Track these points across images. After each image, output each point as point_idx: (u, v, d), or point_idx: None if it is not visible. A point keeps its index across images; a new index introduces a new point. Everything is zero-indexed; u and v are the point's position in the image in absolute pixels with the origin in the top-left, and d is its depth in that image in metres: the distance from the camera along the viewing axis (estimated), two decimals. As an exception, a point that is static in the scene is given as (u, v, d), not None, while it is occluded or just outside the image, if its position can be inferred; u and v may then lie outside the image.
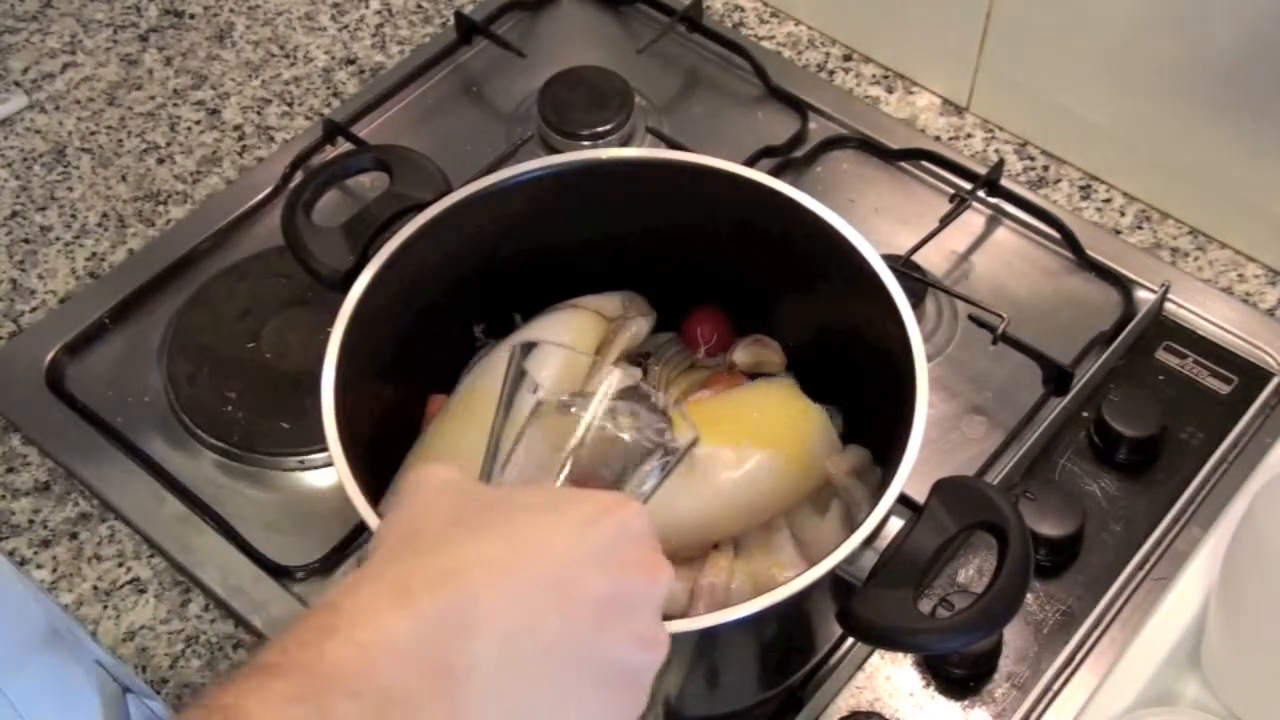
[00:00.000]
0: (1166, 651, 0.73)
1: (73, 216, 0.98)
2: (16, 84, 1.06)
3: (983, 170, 0.95)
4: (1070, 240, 0.92)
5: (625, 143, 0.99)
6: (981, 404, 0.87)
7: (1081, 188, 0.98)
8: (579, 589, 0.46)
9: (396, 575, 0.44)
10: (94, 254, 0.96)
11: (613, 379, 0.56)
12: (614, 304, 0.78)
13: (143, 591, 0.81)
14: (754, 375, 0.79)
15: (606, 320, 0.77)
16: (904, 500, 0.63)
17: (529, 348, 0.64)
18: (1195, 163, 0.92)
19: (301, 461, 0.85)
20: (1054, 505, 0.79)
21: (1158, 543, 0.80)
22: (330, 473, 0.85)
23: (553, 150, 0.98)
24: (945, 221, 0.91)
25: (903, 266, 0.87)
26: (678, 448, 0.56)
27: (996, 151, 0.99)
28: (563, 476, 0.54)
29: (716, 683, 0.71)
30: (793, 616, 0.68)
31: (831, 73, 1.05)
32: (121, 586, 0.81)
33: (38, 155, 1.02)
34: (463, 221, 0.73)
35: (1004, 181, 0.95)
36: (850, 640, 0.76)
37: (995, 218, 0.96)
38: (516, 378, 0.57)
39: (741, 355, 0.79)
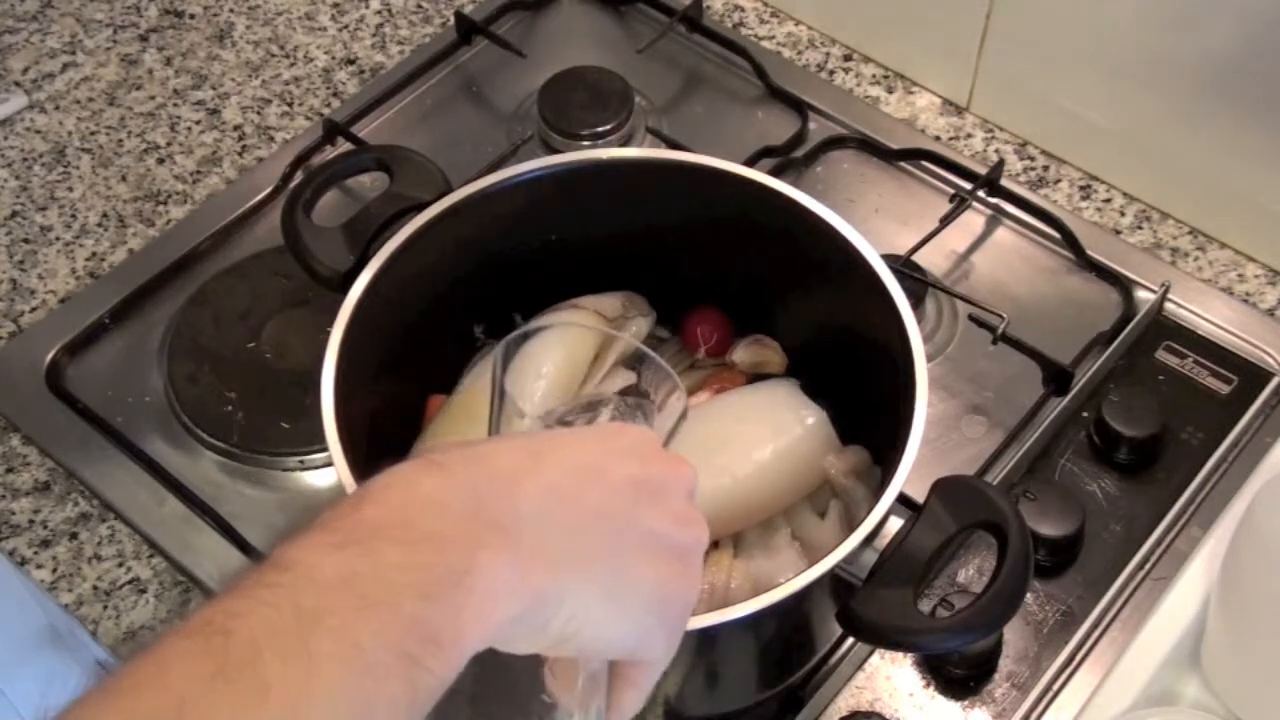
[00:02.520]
0: (1166, 651, 0.73)
1: (73, 216, 0.98)
2: (16, 84, 1.06)
3: (983, 170, 0.95)
4: (1070, 240, 0.92)
5: (625, 143, 0.99)
6: (981, 404, 0.87)
7: (1081, 188, 0.98)
8: (610, 471, 0.47)
9: (425, 457, 0.44)
10: (94, 254, 0.96)
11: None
12: (614, 304, 0.78)
13: (143, 591, 0.81)
14: (754, 375, 0.79)
15: (606, 320, 0.77)
16: (904, 500, 0.63)
17: (520, 340, 0.64)
18: (1195, 163, 0.92)
19: (301, 461, 0.85)
20: (1054, 505, 0.79)
21: (1158, 543, 0.80)
22: (330, 473, 0.85)
23: (553, 150, 0.98)
24: (945, 221, 0.91)
25: (903, 266, 0.87)
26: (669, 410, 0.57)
27: (996, 151, 0.99)
28: None
29: (716, 683, 0.71)
30: (793, 616, 0.68)
31: (831, 73, 1.05)
32: (121, 586, 0.81)
33: (38, 155, 1.02)
34: (463, 221, 0.73)
35: (1004, 181, 0.95)
36: (850, 640, 0.76)
37: (995, 218, 0.96)
38: (499, 398, 0.57)
39: (741, 355, 0.79)
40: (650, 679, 0.50)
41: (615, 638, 0.46)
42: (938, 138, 1.01)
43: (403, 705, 0.38)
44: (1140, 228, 0.95)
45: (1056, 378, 0.85)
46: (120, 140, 1.02)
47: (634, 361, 0.79)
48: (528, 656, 0.46)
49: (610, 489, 0.46)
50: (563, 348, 0.71)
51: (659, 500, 0.48)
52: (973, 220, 0.95)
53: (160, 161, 1.01)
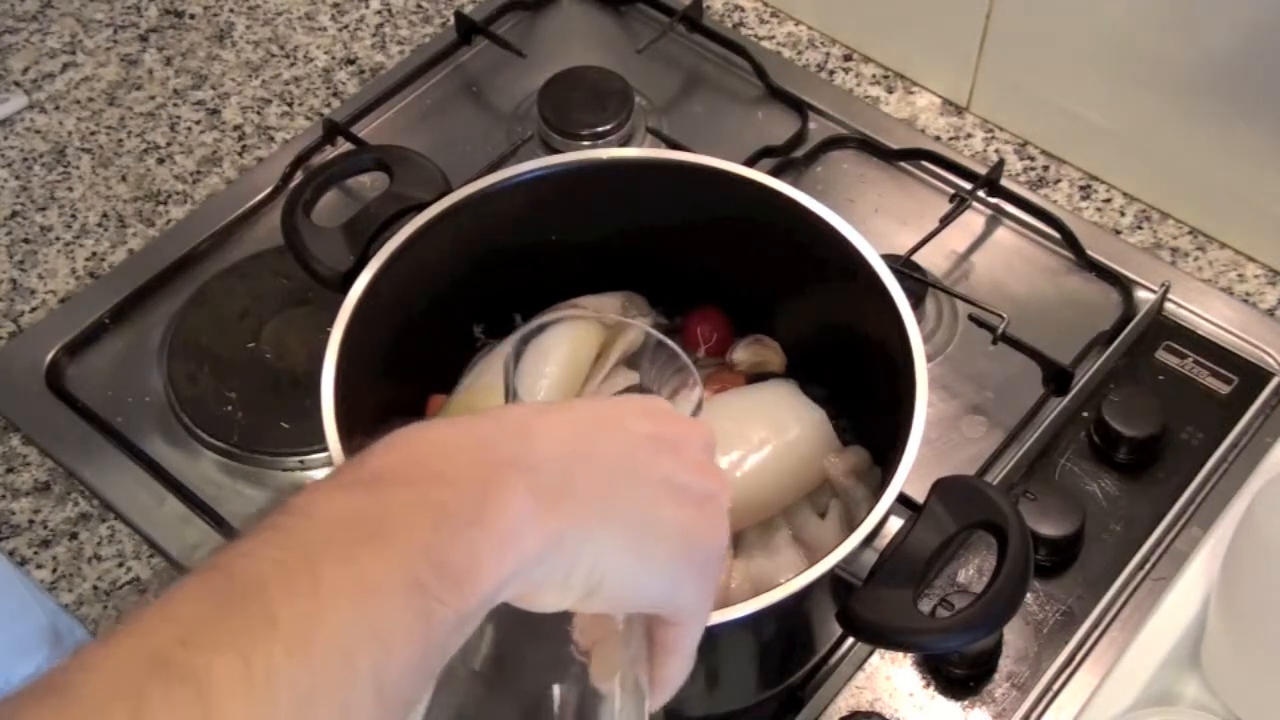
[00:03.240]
0: (1166, 651, 0.73)
1: (73, 216, 0.98)
2: (16, 84, 1.06)
3: (983, 170, 0.95)
4: (1070, 240, 0.92)
5: (625, 143, 0.99)
6: (981, 404, 0.87)
7: (1081, 188, 0.98)
8: (626, 426, 0.46)
9: (433, 419, 0.43)
10: (94, 254, 0.96)
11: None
12: (613, 305, 0.78)
13: (143, 591, 0.80)
14: (754, 375, 0.79)
15: (604, 326, 0.77)
16: (904, 500, 0.63)
17: (532, 335, 0.64)
18: (1195, 163, 0.92)
19: (301, 461, 0.85)
20: (1054, 505, 0.79)
21: (1158, 543, 0.80)
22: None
23: (553, 150, 0.98)
24: (945, 221, 0.91)
25: (903, 266, 0.87)
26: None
27: (996, 151, 0.99)
28: None
29: (716, 683, 0.71)
30: (793, 616, 0.68)
31: (831, 73, 1.05)
32: (121, 586, 0.81)
33: (38, 155, 1.02)
34: (463, 221, 0.73)
35: (1004, 181, 0.95)
36: (850, 640, 0.76)
37: (995, 218, 0.96)
38: (512, 399, 0.57)
39: (741, 355, 0.79)
40: (690, 641, 0.48)
41: (644, 585, 0.44)
42: (938, 138, 1.01)
43: (418, 639, 0.36)
44: (1140, 228, 0.95)
45: (1056, 378, 0.85)
46: (120, 140, 1.02)
47: (636, 360, 0.79)
48: (559, 628, 0.45)
49: (627, 440, 0.45)
50: (566, 345, 0.71)
51: (678, 453, 0.47)
52: (973, 220, 0.95)
53: (160, 161, 1.01)
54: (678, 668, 0.48)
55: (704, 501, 0.47)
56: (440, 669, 0.39)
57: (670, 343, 0.57)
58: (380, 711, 0.36)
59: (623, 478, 0.44)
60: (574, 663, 0.46)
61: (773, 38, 1.07)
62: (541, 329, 0.67)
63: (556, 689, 0.46)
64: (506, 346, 0.75)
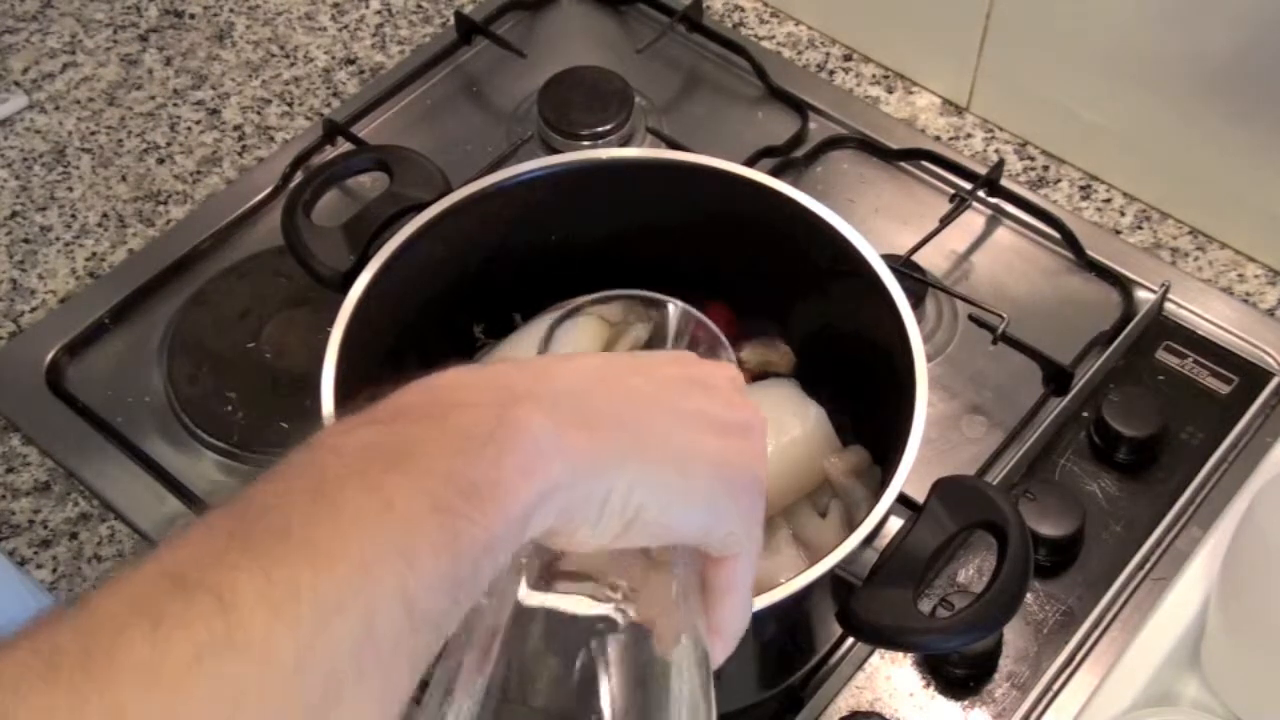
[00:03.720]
0: (1166, 651, 0.73)
1: (73, 216, 0.98)
2: (16, 84, 1.06)
3: (983, 170, 0.95)
4: (1070, 240, 0.92)
5: (625, 143, 0.99)
6: (981, 404, 0.87)
7: (1081, 188, 0.98)
8: (653, 370, 0.45)
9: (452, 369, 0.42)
10: (94, 254, 0.96)
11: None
12: (614, 309, 0.78)
13: (143, 591, 0.80)
14: (757, 375, 0.79)
15: (609, 324, 0.77)
16: (904, 500, 0.63)
17: (562, 320, 0.63)
18: (1195, 163, 0.92)
19: (301, 461, 0.85)
20: (1054, 505, 0.79)
21: (1158, 543, 0.80)
22: (330, 473, 0.84)
23: (553, 150, 0.98)
24: (945, 221, 0.91)
25: (903, 266, 0.87)
26: None
27: (996, 151, 0.99)
28: None
29: (716, 683, 0.71)
30: (792, 616, 0.68)
31: (831, 73, 1.05)
32: (121, 586, 0.81)
33: (38, 155, 1.02)
34: (463, 221, 0.73)
35: (1004, 181, 0.95)
36: (850, 640, 0.76)
37: (995, 218, 0.96)
38: None
39: (747, 355, 0.79)
40: (744, 576, 0.46)
41: (684, 511, 0.43)
42: (938, 138, 1.01)
43: (445, 557, 0.36)
44: (1140, 228, 0.95)
45: (1056, 378, 0.85)
46: (120, 140, 1.02)
47: (661, 343, 0.79)
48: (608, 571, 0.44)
49: (654, 379, 0.45)
50: (582, 335, 0.70)
51: (708, 390, 0.46)
52: (973, 220, 0.95)
53: (160, 161, 1.01)
54: (736, 608, 0.47)
55: (739, 431, 0.46)
56: (472, 598, 0.37)
57: (702, 317, 0.57)
58: (409, 627, 0.35)
59: (652, 407, 0.44)
60: (633, 635, 0.44)
61: (773, 38, 1.07)
62: (572, 314, 0.66)
63: (614, 666, 0.44)
64: (505, 348, 0.75)
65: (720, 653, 0.48)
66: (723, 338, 0.58)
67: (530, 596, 0.43)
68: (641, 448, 0.42)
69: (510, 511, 0.37)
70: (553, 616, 0.44)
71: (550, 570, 0.45)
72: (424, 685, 0.39)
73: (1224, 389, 0.86)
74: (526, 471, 0.38)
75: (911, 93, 1.04)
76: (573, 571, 0.45)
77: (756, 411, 0.48)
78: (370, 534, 0.35)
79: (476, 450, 0.38)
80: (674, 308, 0.60)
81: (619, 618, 0.44)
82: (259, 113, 1.04)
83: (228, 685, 0.31)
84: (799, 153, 0.98)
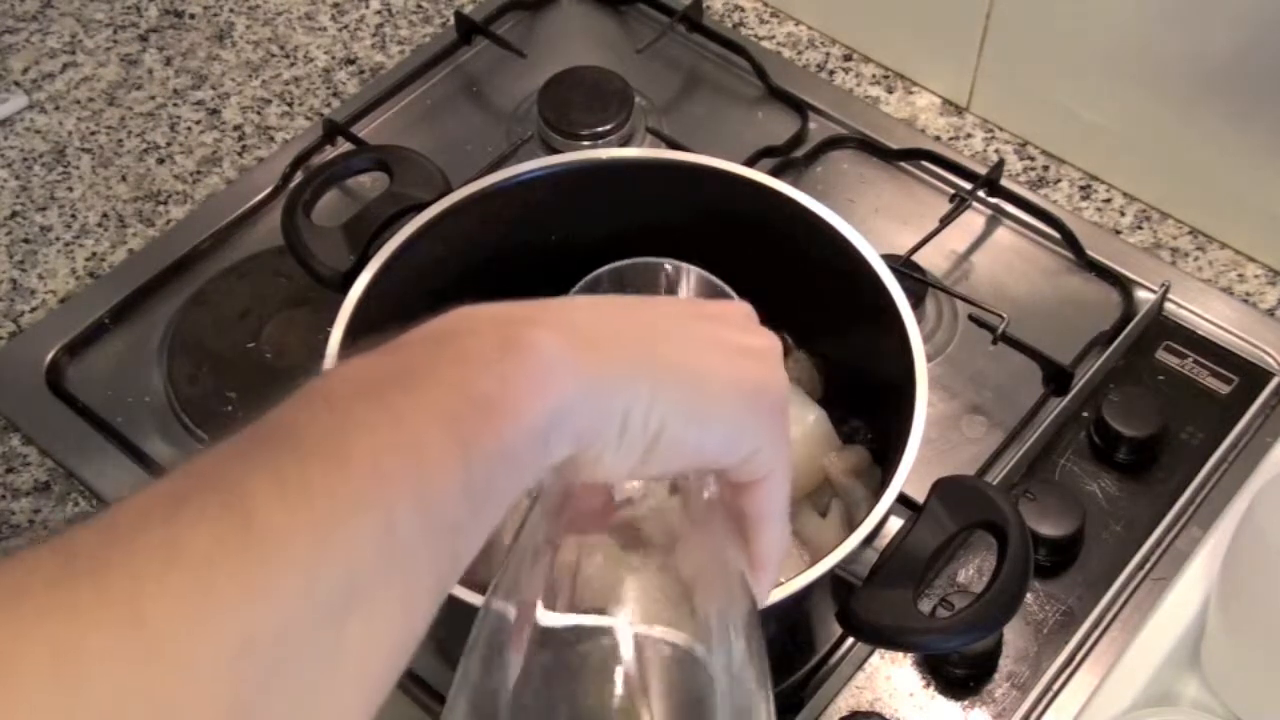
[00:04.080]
0: (1166, 651, 0.73)
1: (73, 216, 0.98)
2: (16, 84, 1.06)
3: (983, 170, 0.95)
4: (1070, 240, 0.92)
5: (625, 143, 0.99)
6: (981, 404, 0.87)
7: (1081, 188, 0.98)
8: (660, 302, 0.46)
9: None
10: (94, 254, 0.96)
11: None
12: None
13: (143, 591, 0.80)
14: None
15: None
16: (904, 500, 0.63)
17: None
18: (1195, 163, 0.92)
19: (301, 461, 0.85)
20: (1054, 505, 0.79)
21: (1158, 543, 0.80)
22: (330, 473, 0.84)
23: (553, 150, 0.98)
24: (945, 221, 0.91)
25: (903, 266, 0.87)
26: None
27: (996, 151, 0.99)
28: None
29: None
30: (793, 616, 0.68)
31: (831, 73, 1.05)
32: (121, 586, 0.81)
33: (38, 155, 1.02)
34: (463, 221, 0.73)
35: (1004, 181, 0.95)
36: (850, 640, 0.76)
37: (995, 218, 0.96)
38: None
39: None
40: (777, 499, 0.46)
41: (707, 430, 0.42)
42: (938, 138, 1.01)
43: (457, 464, 0.35)
44: (1140, 228, 0.95)
45: (1056, 378, 0.85)
46: (120, 140, 1.02)
47: None
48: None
49: (664, 311, 0.44)
50: None
51: (721, 321, 0.46)
52: (973, 220, 0.95)
53: (160, 161, 1.01)
54: (773, 535, 0.46)
55: (756, 353, 0.45)
56: (494, 514, 0.37)
57: (718, 281, 0.57)
58: (425, 526, 0.35)
59: (666, 331, 0.43)
60: (678, 599, 0.44)
61: (773, 38, 1.07)
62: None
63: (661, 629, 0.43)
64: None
65: (765, 586, 0.47)
66: (736, 297, 0.58)
67: (553, 618, 0.43)
68: (656, 365, 0.41)
69: (521, 421, 0.37)
70: (582, 632, 0.43)
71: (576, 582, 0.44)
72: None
73: (1224, 389, 0.86)
74: (537, 385, 0.38)
75: (911, 93, 1.04)
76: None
77: (772, 338, 0.47)
78: (382, 442, 0.35)
79: (487, 366, 0.37)
80: (689, 273, 0.60)
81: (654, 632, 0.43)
82: (259, 113, 1.04)
83: (247, 573, 0.31)
84: (799, 153, 0.98)
